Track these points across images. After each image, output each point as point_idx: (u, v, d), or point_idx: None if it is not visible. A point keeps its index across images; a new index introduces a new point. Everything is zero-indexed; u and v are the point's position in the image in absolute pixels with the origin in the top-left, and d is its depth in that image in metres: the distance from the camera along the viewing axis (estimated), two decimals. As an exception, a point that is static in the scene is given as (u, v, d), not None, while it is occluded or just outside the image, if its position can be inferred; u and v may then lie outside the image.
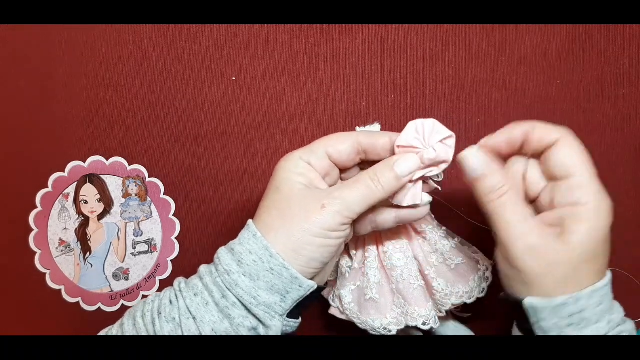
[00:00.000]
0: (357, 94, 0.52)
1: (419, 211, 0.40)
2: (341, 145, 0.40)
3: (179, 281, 0.39)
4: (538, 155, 0.39)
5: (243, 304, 0.36)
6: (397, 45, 0.51)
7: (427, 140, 0.38)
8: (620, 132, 0.51)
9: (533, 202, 0.40)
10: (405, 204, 0.40)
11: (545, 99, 0.51)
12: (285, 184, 0.38)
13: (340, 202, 0.36)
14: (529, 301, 0.36)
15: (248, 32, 0.52)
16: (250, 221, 0.39)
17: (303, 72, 0.52)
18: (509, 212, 0.36)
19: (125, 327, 0.38)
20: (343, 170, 0.42)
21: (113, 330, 0.39)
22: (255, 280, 0.36)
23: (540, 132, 0.37)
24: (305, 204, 0.37)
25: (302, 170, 0.38)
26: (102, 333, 0.39)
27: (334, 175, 0.41)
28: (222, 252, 0.38)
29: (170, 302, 0.37)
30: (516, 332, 0.40)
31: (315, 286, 0.38)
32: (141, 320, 0.37)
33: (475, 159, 0.38)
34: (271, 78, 0.52)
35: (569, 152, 0.37)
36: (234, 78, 0.52)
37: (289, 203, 0.37)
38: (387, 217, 0.41)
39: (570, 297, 0.35)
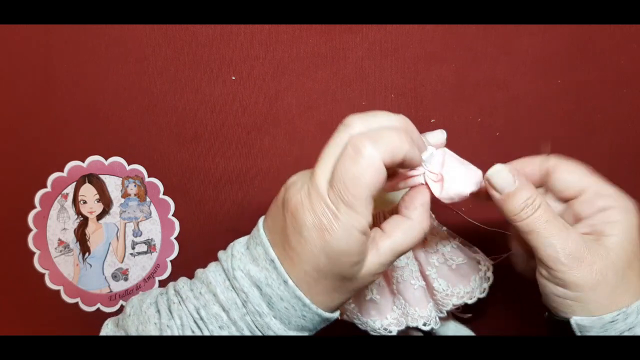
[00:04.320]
0: (357, 94, 0.52)
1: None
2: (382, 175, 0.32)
3: (196, 307, 0.35)
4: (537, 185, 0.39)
5: None
6: (397, 45, 0.51)
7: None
8: (621, 132, 0.51)
9: None
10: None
11: (545, 99, 0.51)
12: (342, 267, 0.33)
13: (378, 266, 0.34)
14: (576, 320, 0.35)
15: (248, 32, 0.51)
16: (279, 265, 0.33)
17: (303, 72, 0.52)
18: (548, 225, 0.35)
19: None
20: None
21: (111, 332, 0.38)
22: (286, 324, 0.35)
23: (532, 166, 0.38)
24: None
25: (360, 248, 0.32)
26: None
27: None
28: (246, 284, 0.34)
29: (192, 332, 0.35)
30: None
31: (338, 313, 0.37)
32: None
33: (506, 175, 0.36)
34: (271, 78, 0.52)
35: (571, 171, 0.37)
36: (233, 78, 0.52)
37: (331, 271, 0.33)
38: None
39: (619, 314, 0.34)
